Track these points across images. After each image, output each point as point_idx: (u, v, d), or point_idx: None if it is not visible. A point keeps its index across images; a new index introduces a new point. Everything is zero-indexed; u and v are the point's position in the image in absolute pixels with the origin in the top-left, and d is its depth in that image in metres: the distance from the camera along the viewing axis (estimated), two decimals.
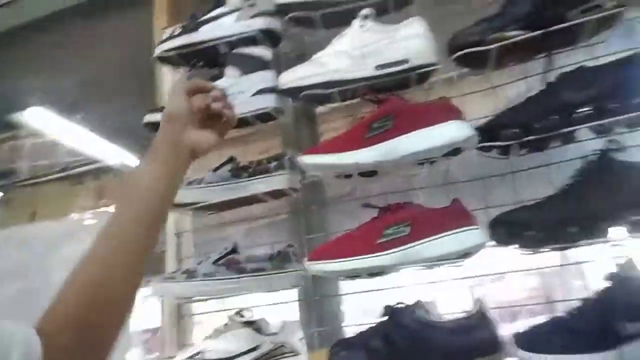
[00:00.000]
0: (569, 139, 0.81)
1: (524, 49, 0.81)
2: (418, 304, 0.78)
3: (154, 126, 0.97)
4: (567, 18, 0.76)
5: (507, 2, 0.82)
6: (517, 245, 0.78)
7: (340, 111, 1.11)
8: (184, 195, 0.90)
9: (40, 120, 2.75)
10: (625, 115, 0.73)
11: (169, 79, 1.19)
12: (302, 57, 0.98)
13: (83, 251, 0.48)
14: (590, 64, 0.80)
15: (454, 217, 0.79)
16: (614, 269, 0.71)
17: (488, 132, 0.81)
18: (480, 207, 0.88)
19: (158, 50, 1.02)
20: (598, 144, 0.78)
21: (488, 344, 0.73)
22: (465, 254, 0.78)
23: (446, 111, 0.80)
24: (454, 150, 0.81)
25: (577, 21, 0.75)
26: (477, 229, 0.78)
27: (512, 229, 0.77)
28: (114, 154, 3.10)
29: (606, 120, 0.74)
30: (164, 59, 1.04)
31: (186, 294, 0.88)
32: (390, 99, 0.84)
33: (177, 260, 1.04)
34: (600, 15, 0.74)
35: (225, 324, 0.85)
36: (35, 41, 1.73)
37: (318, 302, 1.03)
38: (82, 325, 0.46)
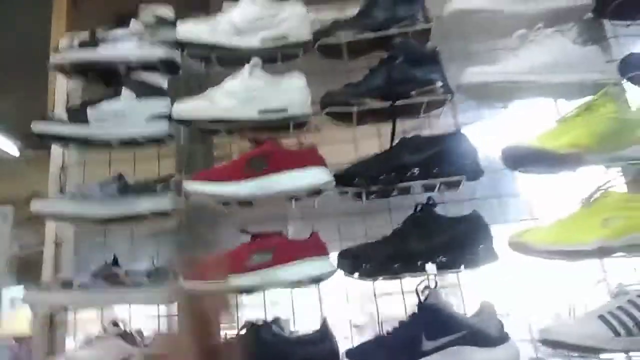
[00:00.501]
0: (405, 191, 1.01)
1: (378, 113, 1.00)
2: (274, 321, 0.92)
3: (44, 137, 1.00)
4: (410, 96, 0.97)
5: (369, 74, 1.01)
6: (357, 274, 0.96)
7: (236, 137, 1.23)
8: (67, 206, 0.94)
9: None
10: (443, 179, 0.96)
11: (62, 82, 1.21)
12: (201, 87, 1.08)
13: None
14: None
15: (311, 247, 0.95)
16: (421, 298, 0.92)
17: (344, 178, 0.98)
18: (336, 240, 1.06)
19: (54, 59, 1.05)
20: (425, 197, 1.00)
21: (328, 356, 0.90)
22: (318, 279, 0.95)
23: (312, 158, 0.96)
24: (317, 191, 0.98)
25: (411, 100, 0.96)
26: (328, 259, 0.95)
27: (354, 261, 0.95)
28: None
29: (429, 181, 0.95)
30: (58, 67, 1.06)
31: (61, 304, 0.92)
32: (267, 141, 0.97)
33: (54, 269, 1.07)
34: (431, 98, 0.96)
35: (98, 334, 0.91)
36: None
37: None
38: None
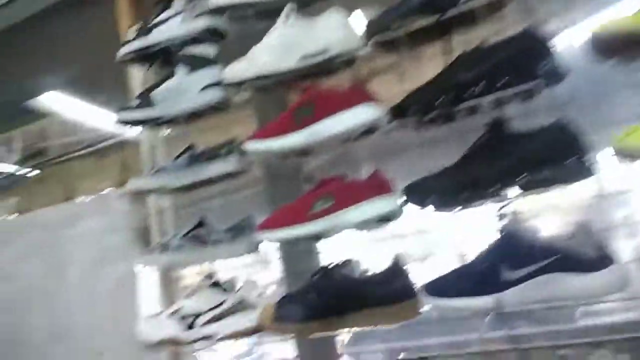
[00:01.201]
0: (472, 110, 0.90)
1: (430, 32, 0.89)
2: (344, 263, 0.93)
3: (125, 123, 1.12)
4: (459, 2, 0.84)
5: None
6: (426, 207, 0.90)
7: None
8: (150, 182, 1.06)
9: (58, 103, 2.97)
10: (514, 89, 0.82)
11: (137, 73, 1.34)
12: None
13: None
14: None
15: (373, 187, 0.92)
16: (503, 224, 0.83)
17: (399, 110, 0.91)
18: (407, 176, 1.00)
19: (119, 55, 1.15)
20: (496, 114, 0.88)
21: (403, 293, 0.88)
22: (385, 218, 0.92)
23: (359, 95, 0.91)
24: (370, 129, 0.93)
25: (463, 9, 0.82)
26: (393, 196, 0.91)
27: (421, 194, 0.89)
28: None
29: (496, 95, 0.83)
30: (124, 60, 1.17)
31: (161, 265, 1.07)
32: (309, 88, 0.95)
33: (160, 234, 1.23)
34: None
35: (197, 285, 1.03)
36: (48, 27, 1.87)
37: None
38: None
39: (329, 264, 0.94)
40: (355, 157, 1.07)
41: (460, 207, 0.90)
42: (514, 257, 0.80)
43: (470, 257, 0.91)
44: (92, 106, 3.03)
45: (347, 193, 0.92)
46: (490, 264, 0.82)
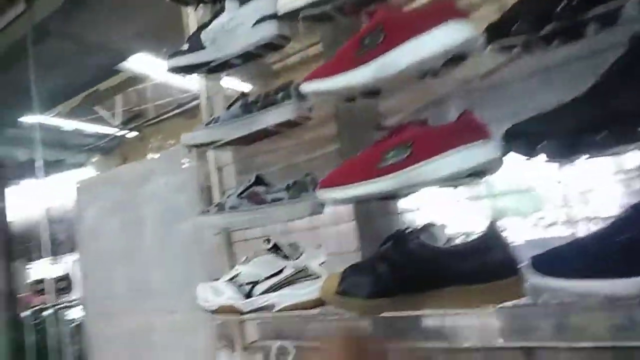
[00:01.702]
0: (609, 20, 0.63)
1: None
2: (424, 228, 0.74)
3: (175, 70, 1.02)
4: None
5: None
6: (536, 156, 0.67)
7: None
8: (202, 136, 0.95)
9: (145, 65, 3.05)
10: None
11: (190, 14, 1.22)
12: None
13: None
14: None
15: (463, 131, 0.71)
16: None
17: (500, 28, 0.67)
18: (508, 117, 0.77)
19: None
20: None
21: (499, 268, 0.68)
22: (478, 172, 0.71)
23: (441, 11, 0.68)
24: (460, 57, 0.70)
25: None
26: (489, 144, 0.69)
27: (528, 139, 0.66)
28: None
29: None
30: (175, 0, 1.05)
31: (217, 226, 0.97)
32: (379, 8, 0.74)
33: (220, 193, 1.14)
34: None
35: (255, 251, 0.93)
36: None
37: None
38: None
39: (405, 229, 0.76)
40: (439, 96, 0.86)
41: (586, 156, 0.66)
42: None
43: (591, 224, 0.67)
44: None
45: (427, 141, 0.72)
46: (634, 234, 0.58)
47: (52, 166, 4.15)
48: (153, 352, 1.38)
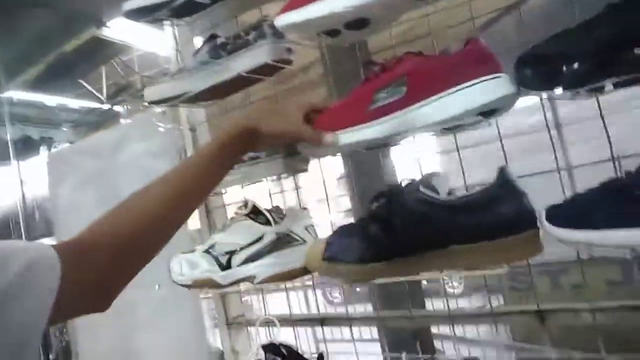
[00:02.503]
0: None
1: None
2: (422, 179, 0.63)
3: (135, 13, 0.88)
4: None
5: None
6: (560, 89, 0.55)
7: None
8: (166, 89, 0.83)
9: (127, 31, 2.87)
10: None
11: None
12: None
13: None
14: None
15: (469, 64, 0.59)
16: None
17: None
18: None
19: None
20: None
21: (508, 223, 0.57)
22: (488, 110, 0.59)
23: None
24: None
25: None
26: (500, 77, 0.57)
27: (548, 65, 0.54)
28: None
29: None
30: None
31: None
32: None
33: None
34: None
35: (232, 217, 0.82)
36: None
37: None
38: (125, 246, 0.51)
39: (400, 182, 0.65)
40: (436, 26, 0.73)
41: (611, 85, 0.54)
42: None
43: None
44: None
45: (426, 76, 0.60)
46: None
47: (36, 145, 4.02)
48: (139, 328, 1.29)
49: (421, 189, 0.62)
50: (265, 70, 0.80)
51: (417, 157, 0.83)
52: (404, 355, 0.78)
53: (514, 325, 2.17)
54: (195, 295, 1.24)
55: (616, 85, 0.54)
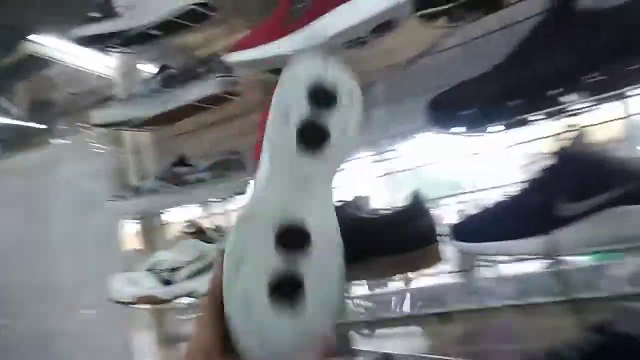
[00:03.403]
0: None
1: None
2: (352, 200, 0.74)
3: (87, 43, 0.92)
4: None
5: None
6: (458, 128, 0.69)
7: None
8: (116, 113, 0.87)
9: (58, 50, 2.76)
10: None
11: None
12: None
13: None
14: None
15: None
16: (564, 144, 0.62)
17: None
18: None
19: None
20: None
21: (418, 237, 0.69)
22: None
23: None
24: (386, 25, 0.70)
25: None
26: None
27: (450, 108, 0.67)
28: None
29: None
30: None
31: (132, 211, 0.90)
32: None
33: (139, 177, 1.06)
34: None
35: (176, 236, 0.87)
36: None
37: None
38: None
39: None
40: (366, 67, 0.86)
41: (502, 127, 0.68)
42: (573, 186, 0.59)
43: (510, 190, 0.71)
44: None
45: None
46: (542, 197, 0.61)
47: None
48: (67, 352, 1.24)
49: (347, 208, 0.72)
50: (214, 100, 0.87)
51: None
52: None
53: None
54: (124, 316, 1.23)
55: (506, 127, 0.68)
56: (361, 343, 1.03)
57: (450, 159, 0.88)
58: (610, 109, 0.66)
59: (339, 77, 0.38)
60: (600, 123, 0.66)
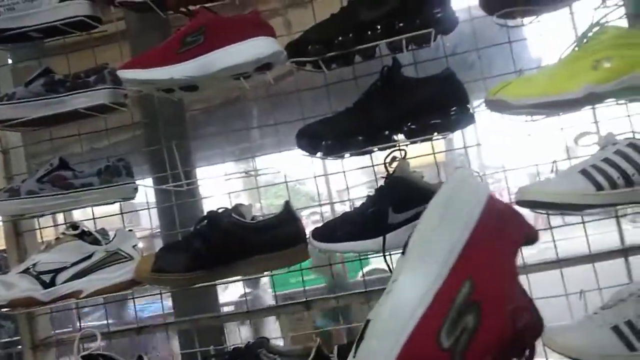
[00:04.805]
0: (369, 54, 0.89)
1: None
2: (234, 208, 0.87)
3: None
4: None
5: None
6: (320, 153, 0.88)
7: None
8: None
9: None
10: (409, 34, 0.81)
11: None
12: None
13: None
14: None
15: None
16: (391, 169, 0.85)
17: (297, 47, 0.85)
18: (299, 119, 0.97)
19: None
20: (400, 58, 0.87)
21: (291, 238, 0.86)
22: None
23: (256, 26, 0.82)
24: (266, 65, 0.86)
25: None
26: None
27: (314, 139, 0.86)
28: None
29: (392, 39, 0.82)
30: None
31: (9, 213, 0.89)
32: (201, 11, 0.83)
33: (6, 179, 1.02)
34: None
35: (57, 238, 0.89)
36: None
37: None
38: None
39: (217, 209, 0.88)
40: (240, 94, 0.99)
41: (349, 154, 0.90)
42: (400, 199, 0.83)
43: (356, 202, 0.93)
44: None
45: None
46: (380, 207, 0.83)
47: None
48: None
49: (233, 214, 0.85)
50: (100, 109, 0.92)
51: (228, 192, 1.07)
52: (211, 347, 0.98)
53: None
54: None
55: (352, 155, 0.90)
56: None
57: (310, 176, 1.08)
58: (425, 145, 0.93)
59: None
60: (416, 157, 0.91)
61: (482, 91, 0.90)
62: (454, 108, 0.82)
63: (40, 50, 1.04)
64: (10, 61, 1.07)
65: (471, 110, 0.84)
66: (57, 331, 1.12)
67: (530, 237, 0.43)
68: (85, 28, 0.94)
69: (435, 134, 0.84)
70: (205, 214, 0.87)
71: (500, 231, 0.40)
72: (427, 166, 1.04)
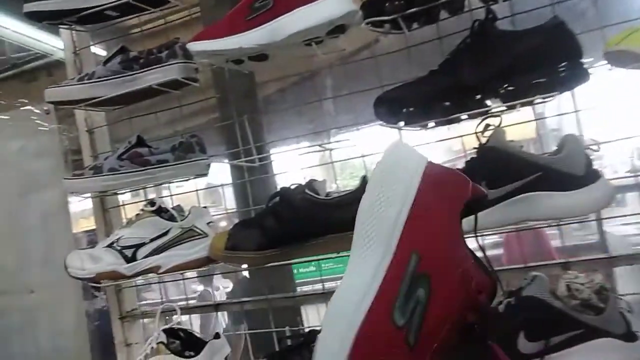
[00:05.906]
0: (457, 7, 0.77)
1: None
2: (308, 184, 0.82)
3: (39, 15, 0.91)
4: None
5: None
6: (402, 123, 0.80)
7: None
8: (74, 92, 0.88)
9: None
10: None
11: None
12: None
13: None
14: None
15: None
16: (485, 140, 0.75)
17: (373, 6, 0.77)
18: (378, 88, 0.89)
19: None
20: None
21: None
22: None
23: None
24: (340, 28, 0.78)
25: None
26: None
27: (392, 106, 0.78)
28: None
29: None
30: None
31: (93, 189, 0.92)
32: None
33: (92, 157, 1.06)
34: None
35: (137, 214, 0.90)
36: None
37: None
38: None
39: (290, 185, 0.83)
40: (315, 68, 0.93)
41: (433, 123, 0.80)
42: (494, 174, 0.72)
43: None
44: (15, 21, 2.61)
45: None
46: None
47: None
48: (12, 335, 1.23)
49: (306, 190, 0.80)
50: (173, 85, 0.91)
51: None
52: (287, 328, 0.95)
53: None
54: (78, 296, 1.24)
55: (437, 124, 0.80)
56: None
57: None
58: (524, 113, 0.80)
59: None
60: (513, 124, 0.79)
61: (595, 44, 0.75)
62: (564, 63, 0.69)
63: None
64: (91, 43, 1.10)
65: (585, 66, 0.70)
66: (141, 303, 1.16)
67: (478, 195, 0.42)
68: (157, 4, 0.93)
69: (539, 95, 0.72)
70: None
71: (441, 197, 0.40)
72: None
